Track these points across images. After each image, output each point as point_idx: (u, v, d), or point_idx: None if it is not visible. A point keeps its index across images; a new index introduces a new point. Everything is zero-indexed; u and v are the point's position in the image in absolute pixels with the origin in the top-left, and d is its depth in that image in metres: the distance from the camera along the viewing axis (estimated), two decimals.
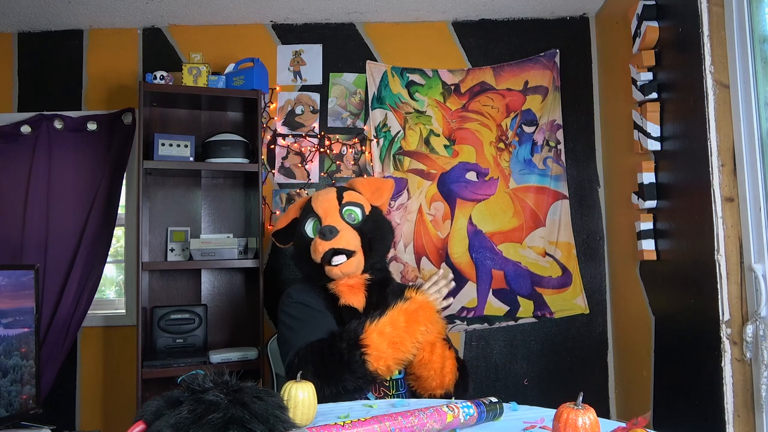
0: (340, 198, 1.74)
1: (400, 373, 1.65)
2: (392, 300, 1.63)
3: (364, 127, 2.78)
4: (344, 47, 2.82)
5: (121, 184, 2.62)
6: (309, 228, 1.73)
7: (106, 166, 2.59)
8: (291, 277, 2.69)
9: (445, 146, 2.78)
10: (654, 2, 2.12)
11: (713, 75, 1.78)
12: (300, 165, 2.74)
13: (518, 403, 1.40)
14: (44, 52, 2.74)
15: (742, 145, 1.71)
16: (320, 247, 1.64)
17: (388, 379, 1.63)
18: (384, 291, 1.71)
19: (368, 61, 2.81)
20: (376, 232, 1.73)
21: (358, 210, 1.73)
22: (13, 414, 1.88)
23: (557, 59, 2.82)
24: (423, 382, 1.62)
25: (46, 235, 2.53)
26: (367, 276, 1.70)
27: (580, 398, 1.04)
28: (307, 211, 1.75)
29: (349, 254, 1.65)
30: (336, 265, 1.64)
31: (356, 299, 1.67)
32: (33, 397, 1.98)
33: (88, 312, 2.55)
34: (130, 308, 2.64)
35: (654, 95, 2.12)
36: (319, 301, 1.70)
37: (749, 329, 1.64)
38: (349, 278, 1.68)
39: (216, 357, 2.33)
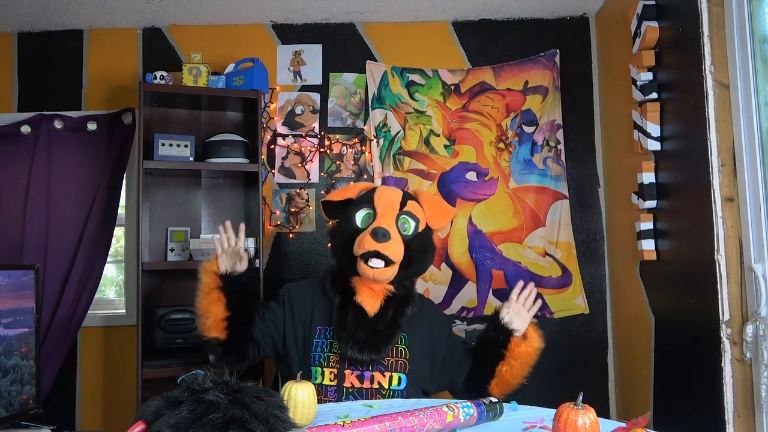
0: (403, 204, 1.69)
1: (399, 384, 1.63)
2: (430, 329, 1.75)
3: (364, 127, 2.78)
4: (344, 47, 2.82)
5: (121, 184, 2.62)
6: (360, 216, 1.68)
7: (106, 166, 2.59)
8: (291, 277, 2.70)
9: (445, 146, 2.78)
10: (654, 2, 2.12)
11: (713, 75, 1.78)
12: (300, 165, 2.74)
13: (518, 403, 1.40)
14: (44, 52, 2.74)
15: (742, 145, 1.71)
16: (367, 245, 1.60)
17: (387, 387, 1.62)
18: (404, 308, 1.66)
19: (368, 61, 2.81)
20: (419, 252, 1.69)
21: (413, 223, 1.69)
22: (13, 414, 1.88)
23: (557, 59, 2.82)
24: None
25: (46, 235, 2.53)
26: (391, 288, 1.66)
27: (580, 398, 1.04)
28: (366, 199, 1.71)
29: (389, 263, 1.61)
30: (372, 268, 1.60)
31: (370, 303, 1.63)
32: (33, 397, 1.98)
33: (88, 312, 2.55)
34: (130, 308, 2.64)
35: (654, 95, 2.12)
36: (304, 304, 1.74)
37: (749, 329, 1.64)
38: (375, 283, 1.65)
39: None
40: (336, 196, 1.79)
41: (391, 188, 1.77)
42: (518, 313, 1.69)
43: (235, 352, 1.70)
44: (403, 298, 1.68)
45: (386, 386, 1.61)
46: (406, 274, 1.68)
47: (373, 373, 1.62)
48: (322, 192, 2.72)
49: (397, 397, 1.62)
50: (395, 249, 1.61)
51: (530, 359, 1.66)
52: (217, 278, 1.64)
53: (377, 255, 1.59)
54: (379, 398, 1.60)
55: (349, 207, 1.73)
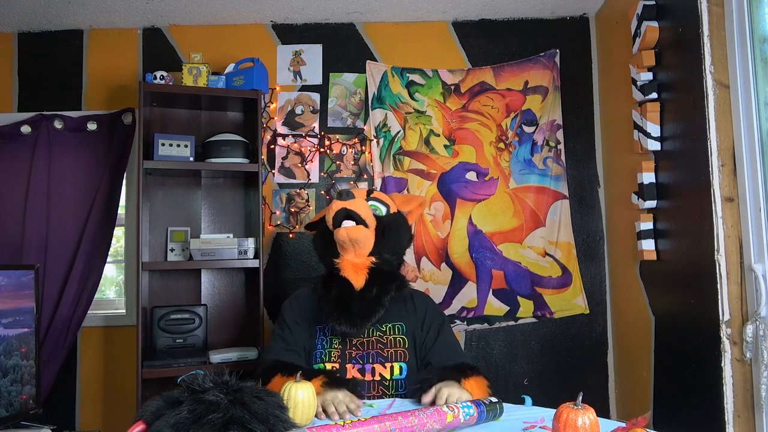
0: (369, 194, 1.80)
1: (401, 373, 1.65)
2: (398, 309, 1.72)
3: (364, 127, 2.78)
4: (344, 47, 2.82)
5: (121, 184, 2.62)
6: (333, 215, 1.75)
7: (106, 166, 2.59)
8: (291, 277, 2.70)
9: (445, 146, 2.78)
10: (654, 2, 2.12)
11: (713, 75, 1.78)
12: (300, 165, 2.74)
13: (518, 404, 1.40)
14: (44, 52, 2.74)
15: (742, 145, 1.71)
16: (334, 206, 1.71)
17: (388, 378, 1.63)
18: (387, 285, 1.68)
19: (368, 61, 2.81)
20: (392, 225, 1.77)
21: (383, 207, 1.78)
22: (13, 414, 1.88)
23: (557, 59, 2.82)
24: None
25: (46, 235, 2.53)
26: (373, 259, 1.70)
27: (580, 398, 1.04)
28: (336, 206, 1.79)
29: (359, 222, 1.68)
30: (344, 227, 1.68)
31: (356, 276, 1.67)
32: (33, 397, 1.98)
33: (88, 312, 2.55)
34: (130, 308, 2.64)
35: (654, 95, 2.12)
36: (307, 310, 1.75)
37: (749, 329, 1.64)
38: (356, 254, 1.69)
39: (216, 357, 2.33)
40: (317, 216, 1.92)
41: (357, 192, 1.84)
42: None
43: None
44: (388, 274, 1.71)
45: (388, 377, 1.64)
46: (384, 245, 1.73)
47: (374, 365, 1.65)
48: (322, 192, 2.73)
49: (400, 386, 1.64)
50: (360, 206, 1.70)
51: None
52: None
53: (347, 216, 1.68)
54: (381, 389, 1.63)
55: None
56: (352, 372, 1.63)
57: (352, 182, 2.75)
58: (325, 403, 1.35)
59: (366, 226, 1.69)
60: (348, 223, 1.69)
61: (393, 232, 1.76)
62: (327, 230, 1.77)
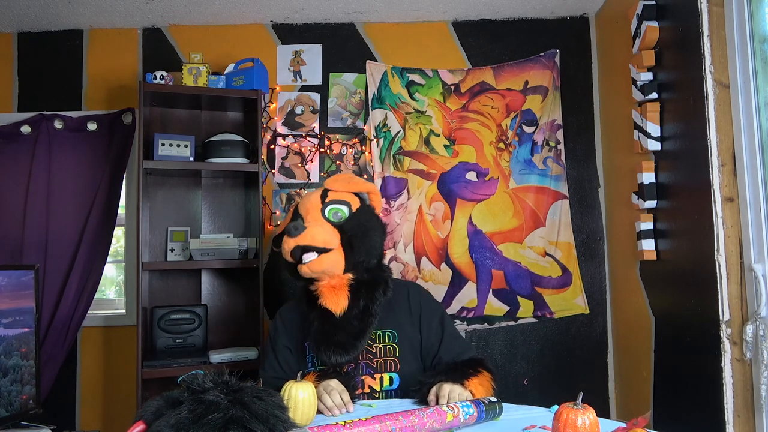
0: (324, 197, 1.67)
1: (392, 384, 1.60)
2: (393, 310, 1.66)
3: (364, 127, 2.78)
4: (344, 47, 2.82)
5: (121, 184, 2.62)
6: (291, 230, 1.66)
7: (106, 166, 2.59)
8: (291, 278, 2.69)
9: (445, 146, 2.78)
10: (654, 2, 2.12)
11: (713, 75, 1.78)
12: (300, 165, 2.74)
13: (518, 404, 1.39)
14: (44, 52, 2.74)
15: (742, 145, 1.71)
16: (286, 246, 1.59)
17: (378, 389, 1.59)
18: (373, 293, 1.61)
19: (368, 61, 2.81)
20: (357, 230, 1.63)
21: (344, 208, 1.65)
22: (13, 414, 1.88)
23: (557, 59, 2.82)
24: None
25: (46, 235, 2.53)
26: (350, 276, 1.62)
27: (580, 398, 1.04)
28: (295, 214, 1.71)
29: (320, 251, 1.57)
30: (305, 262, 1.58)
31: (335, 301, 1.58)
32: (33, 397, 1.98)
33: (88, 312, 2.55)
34: (130, 308, 2.64)
35: (654, 95, 2.12)
36: (294, 329, 1.69)
37: (749, 329, 1.64)
38: (330, 278, 1.61)
39: (216, 357, 2.33)
40: (280, 227, 1.81)
41: (311, 191, 1.75)
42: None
43: None
44: (370, 282, 1.64)
45: (378, 389, 1.59)
46: (356, 256, 1.62)
47: (363, 378, 1.59)
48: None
49: (391, 397, 1.59)
50: (313, 235, 1.57)
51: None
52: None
53: (303, 250, 1.58)
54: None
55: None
56: None
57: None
58: (317, 391, 1.35)
59: (328, 250, 1.58)
60: (309, 257, 1.57)
61: (360, 239, 1.63)
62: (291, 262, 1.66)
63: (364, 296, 1.61)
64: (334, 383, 1.44)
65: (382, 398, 1.58)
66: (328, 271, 1.59)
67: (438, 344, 1.66)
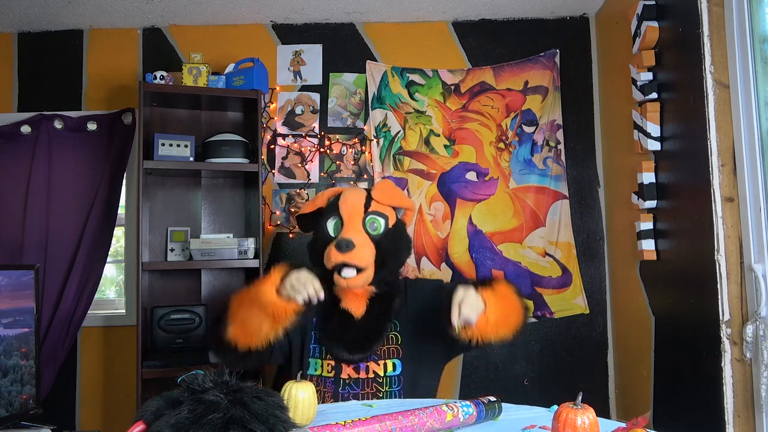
0: (367, 204, 1.71)
1: (395, 369, 1.65)
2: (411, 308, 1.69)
3: (364, 127, 2.78)
4: (344, 47, 2.82)
5: (121, 184, 2.62)
6: (330, 226, 1.71)
7: (106, 166, 2.59)
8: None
9: (445, 146, 2.78)
10: (654, 2, 2.12)
11: (713, 75, 1.78)
12: (300, 165, 2.74)
13: (518, 403, 1.40)
14: (44, 52, 2.74)
15: (742, 145, 1.71)
16: (333, 258, 1.62)
17: (382, 374, 1.64)
18: (390, 304, 1.69)
19: (368, 61, 2.81)
20: (392, 248, 1.70)
21: (382, 221, 1.70)
22: (13, 414, 1.88)
23: (557, 59, 2.82)
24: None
25: (46, 235, 2.53)
26: (373, 289, 1.69)
27: (579, 398, 1.04)
28: (333, 207, 1.73)
29: (360, 270, 1.63)
30: (345, 278, 1.63)
31: (356, 305, 1.66)
32: (33, 397, 1.98)
33: (88, 312, 2.55)
34: (130, 308, 2.64)
35: (654, 95, 2.12)
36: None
37: (749, 329, 1.64)
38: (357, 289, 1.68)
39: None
40: (307, 208, 1.82)
41: (355, 190, 1.77)
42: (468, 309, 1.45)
43: (259, 360, 1.65)
44: (388, 294, 1.71)
45: (381, 374, 1.65)
46: (384, 272, 1.69)
47: (368, 363, 1.66)
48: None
49: (395, 382, 1.65)
50: (361, 255, 1.62)
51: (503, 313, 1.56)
52: (294, 307, 1.51)
53: (346, 265, 1.62)
54: (376, 386, 1.63)
55: (320, 217, 1.76)
56: (347, 370, 1.64)
57: (351, 182, 2.75)
58: (287, 283, 1.45)
59: (366, 269, 1.64)
60: (349, 273, 1.62)
61: (392, 258, 1.71)
62: (323, 240, 1.69)
63: (382, 305, 1.68)
64: (305, 272, 1.50)
65: (386, 383, 1.64)
66: (361, 286, 1.67)
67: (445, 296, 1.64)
